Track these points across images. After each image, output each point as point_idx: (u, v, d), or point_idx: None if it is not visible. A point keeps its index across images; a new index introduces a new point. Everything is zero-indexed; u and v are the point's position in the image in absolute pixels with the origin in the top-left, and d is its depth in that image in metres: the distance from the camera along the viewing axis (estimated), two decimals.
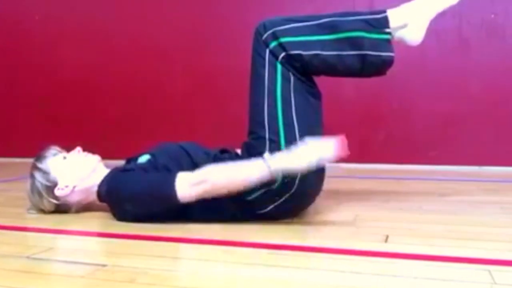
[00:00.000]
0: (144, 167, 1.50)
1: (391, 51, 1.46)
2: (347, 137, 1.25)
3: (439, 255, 1.09)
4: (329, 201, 1.73)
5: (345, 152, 1.24)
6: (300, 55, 1.44)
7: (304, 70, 1.47)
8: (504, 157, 2.74)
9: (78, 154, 1.64)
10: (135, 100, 3.42)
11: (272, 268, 1.03)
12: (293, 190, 1.39)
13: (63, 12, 3.57)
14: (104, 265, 1.06)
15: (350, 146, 1.23)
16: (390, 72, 1.50)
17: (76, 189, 1.60)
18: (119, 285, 0.93)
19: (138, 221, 1.43)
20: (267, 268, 1.04)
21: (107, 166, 1.64)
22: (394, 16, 1.48)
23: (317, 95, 1.52)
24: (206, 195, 1.35)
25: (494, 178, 2.43)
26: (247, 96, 1.52)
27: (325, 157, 1.25)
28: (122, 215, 1.48)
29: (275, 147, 1.41)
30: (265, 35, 1.46)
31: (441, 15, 1.54)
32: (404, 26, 1.49)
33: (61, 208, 1.61)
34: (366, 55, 1.45)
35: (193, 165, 1.47)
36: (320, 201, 1.57)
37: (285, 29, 1.46)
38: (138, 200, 1.42)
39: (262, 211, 1.43)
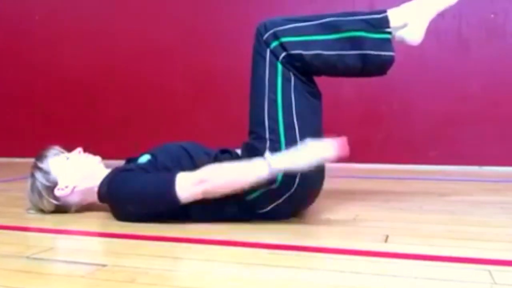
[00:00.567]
0: (144, 167, 1.50)
1: (392, 51, 1.46)
2: (347, 137, 1.25)
3: (439, 255, 1.09)
4: (329, 201, 1.73)
5: (345, 152, 1.24)
6: (300, 55, 1.44)
7: (305, 70, 1.47)
8: (504, 157, 2.75)
9: (79, 155, 1.65)
10: (135, 100, 3.42)
11: (272, 268, 1.03)
12: (293, 190, 1.39)
13: (63, 12, 3.57)
14: (104, 265, 1.06)
15: (350, 146, 1.23)
16: (390, 72, 1.50)
17: (76, 189, 1.60)
18: (119, 285, 0.93)
19: (139, 221, 1.43)
20: (267, 268, 1.04)
21: (107, 166, 1.64)
22: (395, 16, 1.48)
23: (317, 95, 1.52)
24: (207, 195, 1.35)
25: (494, 178, 2.43)
26: (247, 96, 1.52)
27: (325, 157, 1.25)
28: (122, 215, 1.48)
29: (275, 147, 1.41)
30: (266, 35, 1.46)
31: (441, 15, 1.54)
32: (404, 26, 1.49)
33: (61, 209, 1.61)
34: (367, 54, 1.45)
35: (194, 165, 1.47)
36: (320, 201, 1.57)
37: (286, 29, 1.46)
38: (138, 200, 1.42)
39: (262, 211, 1.43)
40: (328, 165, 1.41)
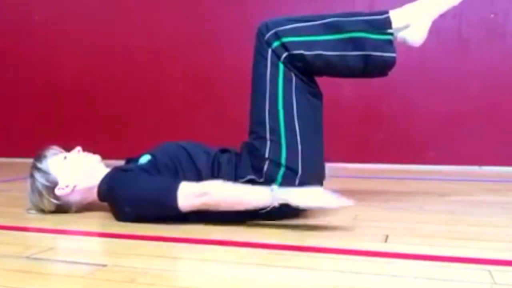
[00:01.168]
0: (144, 168, 1.50)
1: (394, 52, 1.46)
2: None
3: (439, 255, 1.09)
4: None
5: (344, 207, 1.30)
6: (302, 55, 1.44)
7: (306, 70, 1.47)
8: (504, 157, 2.75)
9: (78, 154, 1.64)
10: (135, 100, 3.42)
11: (272, 268, 1.03)
12: None
13: (63, 12, 3.58)
14: (104, 265, 1.06)
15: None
16: (390, 72, 1.50)
17: (76, 188, 1.59)
18: (119, 285, 0.93)
19: (137, 222, 1.43)
20: (267, 268, 1.04)
21: (107, 166, 1.63)
22: (396, 17, 1.48)
23: (318, 95, 1.52)
24: (206, 208, 1.36)
25: (494, 178, 2.43)
26: (247, 96, 1.52)
27: (325, 207, 1.31)
28: (121, 215, 1.48)
29: (275, 147, 1.41)
30: (267, 35, 1.46)
31: (441, 16, 1.54)
32: (406, 27, 1.49)
33: (62, 208, 1.61)
34: (369, 55, 1.45)
35: (193, 165, 1.47)
36: None
37: (288, 29, 1.46)
38: (137, 203, 1.42)
39: (262, 211, 1.43)
40: (328, 165, 1.41)
